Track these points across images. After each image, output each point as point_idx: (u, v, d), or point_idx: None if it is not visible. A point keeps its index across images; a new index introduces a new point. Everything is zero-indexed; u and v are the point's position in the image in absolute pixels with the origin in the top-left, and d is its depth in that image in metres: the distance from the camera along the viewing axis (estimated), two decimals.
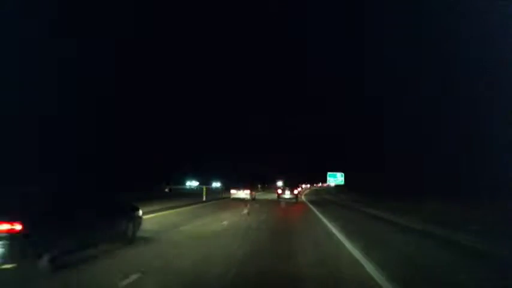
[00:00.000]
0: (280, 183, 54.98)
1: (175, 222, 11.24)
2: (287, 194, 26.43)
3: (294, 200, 25.96)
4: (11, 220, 4.28)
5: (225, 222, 11.56)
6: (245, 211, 15.72)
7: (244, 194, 25.20)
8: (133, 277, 4.58)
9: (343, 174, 44.01)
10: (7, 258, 4.17)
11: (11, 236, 4.23)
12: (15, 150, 23.57)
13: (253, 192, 27.88)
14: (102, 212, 6.33)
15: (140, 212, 7.93)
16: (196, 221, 11.78)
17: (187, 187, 59.52)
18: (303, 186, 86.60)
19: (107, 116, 32.77)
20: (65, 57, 28.90)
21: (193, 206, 18.60)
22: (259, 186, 58.43)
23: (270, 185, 72.37)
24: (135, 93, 37.32)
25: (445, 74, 28.92)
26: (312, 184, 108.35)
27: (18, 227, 4.29)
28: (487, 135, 22.07)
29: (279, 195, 27.30)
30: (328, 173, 45.27)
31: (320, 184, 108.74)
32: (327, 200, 34.27)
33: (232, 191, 26.22)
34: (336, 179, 45.73)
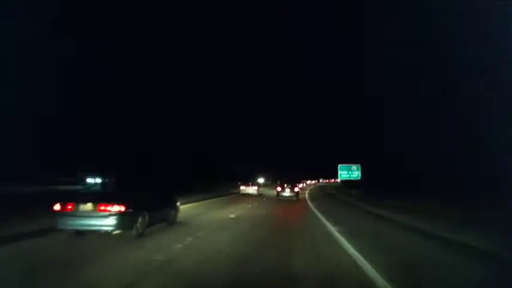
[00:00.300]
0: (259, 181, 45.64)
1: (197, 212, 12.99)
2: (287, 192, 24.59)
3: (294, 198, 24.33)
4: (121, 204, 6.71)
5: (238, 213, 13.36)
6: (255, 204, 18.83)
7: (252, 189, 28.41)
8: (179, 246, 6.67)
9: (359, 166, 28.66)
10: (118, 227, 6.74)
11: (120, 214, 6.69)
12: (15, 149, 23.66)
13: (260, 188, 30.62)
14: (162, 202, 8.88)
15: (178, 203, 10.10)
16: (216, 210, 13.98)
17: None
18: (308, 182, 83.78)
19: (106, 116, 32.79)
20: (65, 57, 28.80)
21: (209, 200, 19.74)
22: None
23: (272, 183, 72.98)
24: (135, 93, 37.29)
25: (445, 74, 28.87)
26: (317, 180, 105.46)
27: (123, 208, 6.74)
28: (487, 135, 22.10)
29: (278, 192, 25.22)
30: (340, 166, 29.19)
31: (326, 180, 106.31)
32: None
33: (242, 187, 29.02)
34: (349, 172, 29.38)
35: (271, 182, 64.24)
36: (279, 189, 25.34)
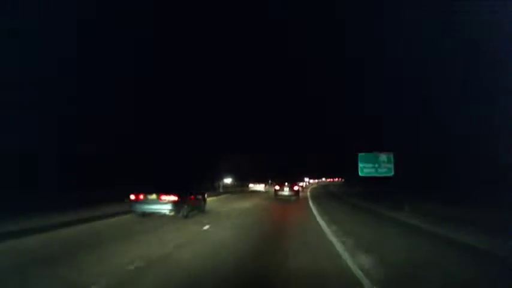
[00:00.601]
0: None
1: (217, 205, 16.45)
2: (286, 191, 23.38)
3: (293, 198, 23.06)
4: (174, 195, 10.29)
5: (250, 203, 17.58)
6: (262, 198, 22.94)
7: (259, 187, 33.09)
8: (208, 226, 9.51)
9: (391, 157, 19.15)
10: (172, 211, 10.25)
11: (174, 202, 10.27)
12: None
13: (267, 186, 35.87)
14: (197, 194, 12.56)
15: (206, 195, 13.79)
16: (234, 202, 18.04)
17: None
18: (311, 181, 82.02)
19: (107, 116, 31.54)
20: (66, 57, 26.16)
21: (221, 196, 23.65)
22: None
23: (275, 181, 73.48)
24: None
25: (445, 74, 29.32)
26: (319, 179, 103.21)
27: (176, 198, 10.31)
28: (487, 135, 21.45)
29: (276, 191, 23.78)
30: (360, 155, 19.44)
31: (331, 179, 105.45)
32: None
33: (251, 185, 34.25)
34: (375, 166, 19.28)
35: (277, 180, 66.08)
36: (277, 187, 24.16)
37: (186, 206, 10.88)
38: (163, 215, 10.46)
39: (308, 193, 32.57)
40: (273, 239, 7.94)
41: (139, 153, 26.72)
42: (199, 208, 12.58)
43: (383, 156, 18.99)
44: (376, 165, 18.94)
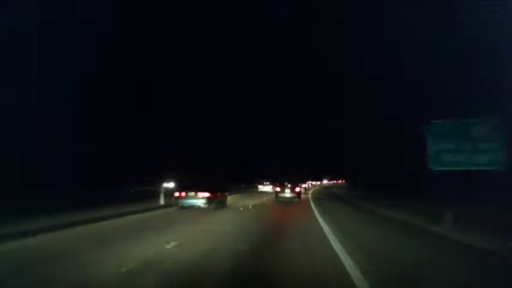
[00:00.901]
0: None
1: (233, 201, 20.28)
2: (287, 192, 22.88)
3: (295, 200, 22.51)
4: (208, 192, 14.57)
5: (259, 201, 21.16)
6: (269, 198, 25.69)
7: (267, 188, 36.19)
8: (231, 214, 13.64)
9: (496, 122, 9.33)
10: (206, 204, 14.33)
11: (208, 198, 14.46)
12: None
13: (274, 187, 38.51)
14: (222, 192, 16.76)
15: (227, 193, 18.21)
16: (247, 199, 21.77)
17: None
18: (313, 183, 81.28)
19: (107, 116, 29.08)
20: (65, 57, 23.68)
21: (234, 195, 27.30)
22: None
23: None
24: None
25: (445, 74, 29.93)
26: (321, 181, 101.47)
27: (209, 195, 14.52)
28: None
29: (277, 193, 23.44)
30: (433, 125, 9.99)
31: (334, 181, 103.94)
32: None
33: (260, 186, 37.86)
34: (466, 150, 9.35)
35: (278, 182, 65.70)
36: (277, 189, 23.78)
37: (215, 201, 14.87)
38: (198, 207, 14.31)
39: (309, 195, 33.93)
40: (279, 220, 11.92)
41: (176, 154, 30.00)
42: (223, 203, 16.71)
43: (480, 127, 9.63)
44: (468, 146, 9.65)
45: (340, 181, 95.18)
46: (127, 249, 6.57)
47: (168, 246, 6.76)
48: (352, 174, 54.84)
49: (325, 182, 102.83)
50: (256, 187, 38.90)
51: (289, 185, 23.19)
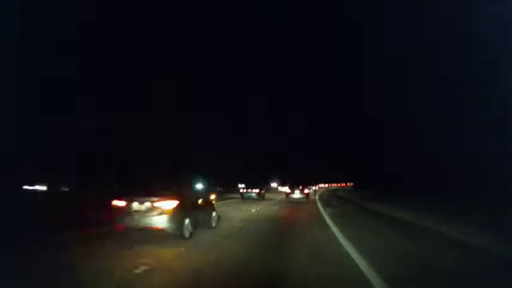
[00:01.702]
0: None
1: (267, 196, 31.58)
2: (297, 194, 25.56)
3: (304, 200, 25.32)
4: (258, 189, 27.57)
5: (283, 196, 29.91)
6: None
7: (284, 189, 42.94)
8: (269, 202, 26.60)
9: None
10: (257, 196, 27.11)
11: (257, 193, 27.28)
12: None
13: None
14: (263, 189, 28.81)
15: (264, 190, 29.42)
16: (273, 195, 33.14)
17: None
18: (321, 185, 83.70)
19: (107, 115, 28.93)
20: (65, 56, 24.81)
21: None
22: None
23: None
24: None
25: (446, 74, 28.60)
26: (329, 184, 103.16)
27: (258, 191, 27.43)
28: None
29: (287, 194, 26.10)
30: None
31: (338, 184, 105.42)
32: None
33: (279, 187, 49.72)
34: None
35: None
36: (288, 191, 26.38)
37: (261, 195, 26.43)
38: (252, 199, 25.47)
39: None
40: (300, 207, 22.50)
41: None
42: (263, 196, 27.97)
43: None
44: None
45: (348, 184, 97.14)
46: (241, 208, 18.28)
47: (253, 210, 18.05)
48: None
49: (333, 185, 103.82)
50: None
51: (298, 187, 26.15)
